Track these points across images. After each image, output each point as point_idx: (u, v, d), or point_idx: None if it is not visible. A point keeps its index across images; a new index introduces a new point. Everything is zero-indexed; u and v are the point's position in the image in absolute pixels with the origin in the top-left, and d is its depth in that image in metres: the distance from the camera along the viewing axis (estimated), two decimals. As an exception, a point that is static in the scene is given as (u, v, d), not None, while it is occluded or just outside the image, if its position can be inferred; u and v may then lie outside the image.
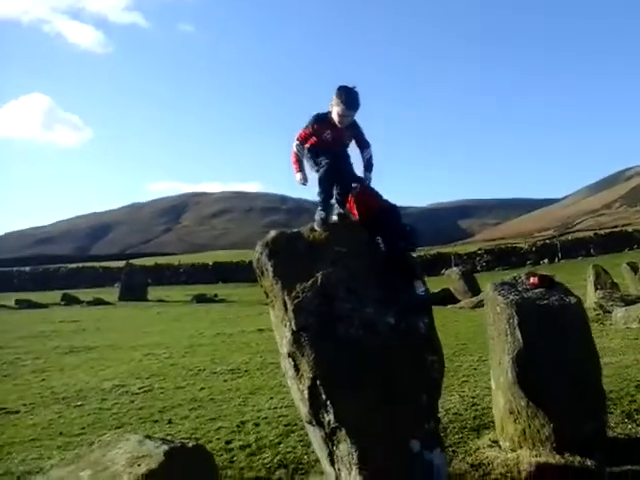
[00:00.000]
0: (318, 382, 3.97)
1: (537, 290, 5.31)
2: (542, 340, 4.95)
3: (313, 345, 4.01)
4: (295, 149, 4.70)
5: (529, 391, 4.90)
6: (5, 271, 51.19)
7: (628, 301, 14.82)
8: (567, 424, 4.86)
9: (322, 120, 4.68)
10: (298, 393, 4.18)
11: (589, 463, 4.74)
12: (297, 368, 4.10)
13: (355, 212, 4.72)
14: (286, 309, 4.13)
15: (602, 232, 47.87)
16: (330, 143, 4.66)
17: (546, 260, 41.08)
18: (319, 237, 4.45)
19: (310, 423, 4.18)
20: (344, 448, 3.97)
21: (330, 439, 4.04)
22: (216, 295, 29.52)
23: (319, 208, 4.56)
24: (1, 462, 5.62)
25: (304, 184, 4.69)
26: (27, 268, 52.94)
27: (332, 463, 4.11)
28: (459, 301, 20.44)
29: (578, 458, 4.78)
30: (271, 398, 7.66)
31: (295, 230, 4.58)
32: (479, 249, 46.51)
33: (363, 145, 4.84)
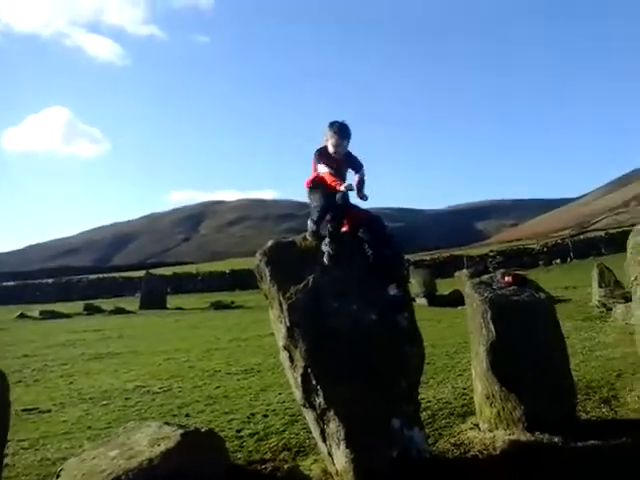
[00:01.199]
0: (309, 370, 4.64)
1: (511, 288, 5.92)
2: (513, 332, 5.55)
3: (304, 339, 4.68)
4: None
5: (502, 377, 5.51)
6: (29, 283, 52.49)
7: (629, 298, 15.24)
8: (537, 406, 5.46)
9: (324, 154, 5.36)
10: (293, 380, 4.86)
11: (556, 440, 5.33)
12: (292, 359, 4.78)
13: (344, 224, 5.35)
14: (281, 308, 4.81)
15: (613, 231, 47.89)
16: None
17: (558, 260, 41.29)
18: (310, 245, 5.12)
19: (304, 406, 4.85)
20: (333, 426, 4.63)
21: (321, 419, 4.71)
22: (233, 302, 30.12)
23: (310, 221, 5.22)
24: (38, 451, 6.34)
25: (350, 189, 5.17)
26: (50, 280, 54.15)
27: (324, 440, 4.78)
28: (468, 302, 20.90)
29: (547, 436, 5.37)
30: (280, 394, 8.30)
31: (289, 239, 5.25)
32: (491, 251, 46.74)
33: (357, 168, 5.52)
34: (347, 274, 5.00)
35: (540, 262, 41.78)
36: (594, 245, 43.85)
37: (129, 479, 4.27)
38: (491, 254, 44.51)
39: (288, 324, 4.72)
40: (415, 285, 26.26)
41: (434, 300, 21.92)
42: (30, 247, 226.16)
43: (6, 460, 5.64)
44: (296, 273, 4.89)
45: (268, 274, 4.96)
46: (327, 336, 4.70)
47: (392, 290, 5.11)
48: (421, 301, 23.55)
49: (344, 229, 5.29)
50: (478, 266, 37.56)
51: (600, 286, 17.26)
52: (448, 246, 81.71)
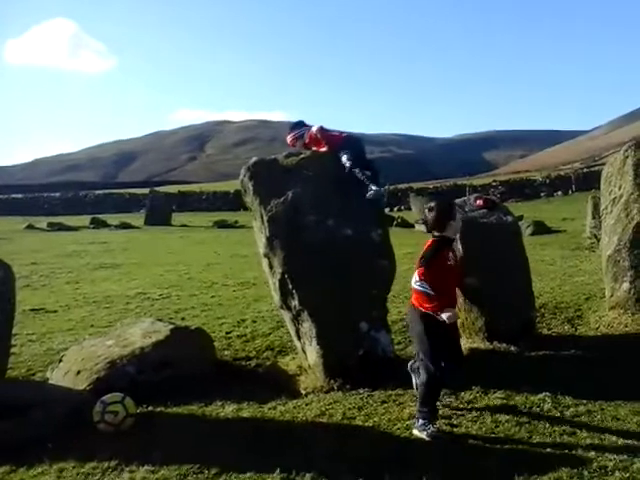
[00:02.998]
0: (286, 276, 5.14)
1: (481, 211, 6.34)
2: (480, 250, 5.99)
3: (282, 248, 5.17)
4: None
5: (466, 290, 6.00)
6: (36, 196, 53.08)
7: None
8: (496, 318, 5.99)
9: None
10: (272, 285, 5.38)
11: (512, 349, 5.90)
12: (271, 265, 5.28)
13: (322, 145, 5.72)
14: (262, 220, 5.27)
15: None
16: None
17: (560, 192, 41.30)
18: (291, 163, 5.51)
19: (282, 308, 5.39)
20: (306, 326, 5.18)
21: (296, 319, 5.25)
22: (236, 221, 30.47)
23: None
24: (44, 343, 6.98)
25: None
26: (57, 194, 54.65)
27: (299, 338, 5.35)
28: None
29: (504, 345, 5.94)
30: (270, 304, 8.78)
31: (272, 157, 5.64)
32: (494, 181, 46.69)
33: None
34: (326, 191, 5.41)
35: (542, 193, 41.81)
36: (598, 178, 43.37)
37: (123, 363, 4.88)
38: (494, 184, 44.52)
39: (268, 234, 5.19)
40: (415, 212, 26.66)
41: (432, 226, 22.35)
42: (36, 161, 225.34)
43: (14, 349, 6.29)
44: (277, 188, 5.31)
45: (251, 188, 5.39)
46: (303, 246, 5.17)
47: (372, 188, 5.50)
48: (420, 227, 24.00)
49: (323, 149, 5.66)
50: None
51: (593, 217, 17.61)
52: (456, 175, 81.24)
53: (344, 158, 5.48)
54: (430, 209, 4.36)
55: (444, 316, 4.06)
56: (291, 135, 5.94)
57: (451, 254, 4.38)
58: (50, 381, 5.16)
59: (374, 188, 5.44)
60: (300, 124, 5.97)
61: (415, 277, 4.19)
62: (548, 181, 44.42)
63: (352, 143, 5.67)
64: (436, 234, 4.34)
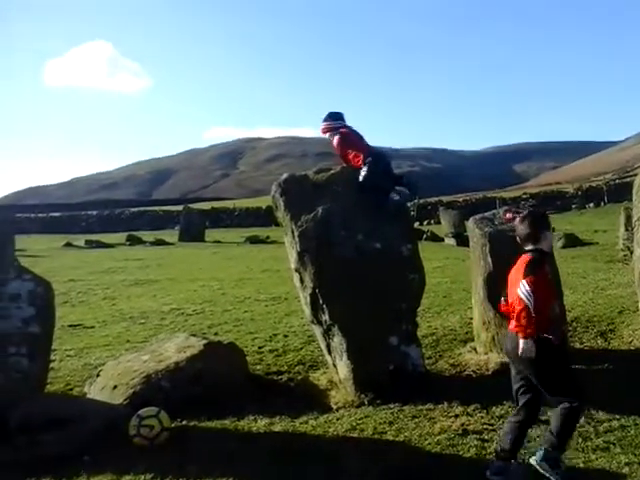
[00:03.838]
0: (317, 291, 5.22)
1: (511, 224, 6.31)
2: (509, 264, 5.96)
3: (313, 263, 5.25)
4: None
5: (496, 305, 5.98)
6: (74, 215, 54.39)
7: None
8: (528, 332, 5.93)
9: None
10: (303, 299, 5.46)
11: (544, 363, 5.83)
12: (302, 280, 5.36)
13: (346, 152, 5.81)
14: (294, 235, 5.37)
15: (649, 175, 46.54)
16: None
17: (592, 204, 40.52)
18: (321, 179, 5.61)
19: (312, 322, 5.47)
20: (337, 340, 5.24)
21: (327, 334, 5.32)
22: (268, 237, 30.69)
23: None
24: (82, 358, 7.17)
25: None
26: (94, 212, 55.98)
27: (329, 352, 5.41)
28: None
29: (536, 359, 5.88)
30: (302, 318, 8.88)
31: (303, 173, 5.74)
32: (524, 193, 46.15)
33: None
34: (355, 207, 5.48)
35: (573, 205, 41.09)
36: (630, 189, 42.27)
37: (158, 378, 5.00)
38: (524, 197, 43.92)
39: (299, 250, 5.28)
40: (445, 225, 26.59)
41: (462, 240, 22.25)
42: (75, 180, 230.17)
43: (53, 365, 6.48)
44: (308, 204, 5.41)
45: (282, 204, 5.50)
46: (334, 262, 5.24)
47: (394, 197, 5.55)
48: (450, 241, 23.93)
49: (354, 163, 5.72)
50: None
51: (626, 229, 17.31)
52: (486, 188, 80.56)
53: (362, 170, 5.52)
54: (523, 219, 3.99)
55: (521, 342, 3.63)
56: (324, 124, 6.01)
57: (547, 269, 3.92)
58: (88, 395, 5.31)
59: (395, 197, 5.52)
60: (337, 116, 6.02)
61: (524, 286, 3.67)
62: (580, 193, 43.71)
63: (375, 157, 5.71)
64: (529, 247, 3.92)
